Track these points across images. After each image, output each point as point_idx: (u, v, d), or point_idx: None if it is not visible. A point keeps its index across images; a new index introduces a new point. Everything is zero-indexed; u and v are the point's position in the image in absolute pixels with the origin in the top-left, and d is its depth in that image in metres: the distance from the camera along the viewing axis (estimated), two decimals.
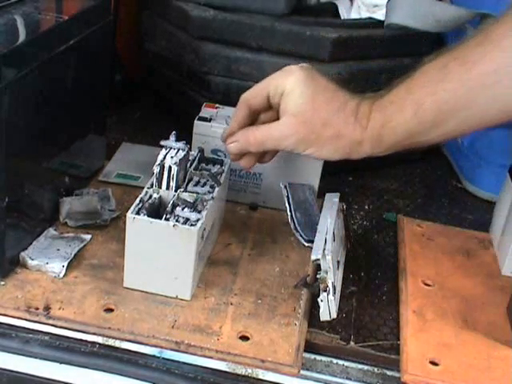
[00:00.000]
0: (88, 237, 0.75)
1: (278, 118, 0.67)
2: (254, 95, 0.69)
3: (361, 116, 0.64)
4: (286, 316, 0.67)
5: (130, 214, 0.65)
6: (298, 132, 0.66)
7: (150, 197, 0.69)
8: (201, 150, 0.77)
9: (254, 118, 0.71)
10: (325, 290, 0.65)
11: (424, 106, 0.61)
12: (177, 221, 0.65)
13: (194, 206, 0.68)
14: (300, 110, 0.65)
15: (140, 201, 0.68)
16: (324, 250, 0.66)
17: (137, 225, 0.65)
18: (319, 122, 0.65)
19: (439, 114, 0.61)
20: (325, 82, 0.67)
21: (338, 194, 0.79)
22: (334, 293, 0.66)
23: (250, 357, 0.61)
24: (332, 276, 0.66)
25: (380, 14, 0.96)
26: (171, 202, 0.68)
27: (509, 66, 0.57)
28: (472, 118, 0.61)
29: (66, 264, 0.69)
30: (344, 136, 0.65)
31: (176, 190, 0.70)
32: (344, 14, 0.99)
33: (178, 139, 0.73)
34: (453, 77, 0.59)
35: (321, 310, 0.66)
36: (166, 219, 0.66)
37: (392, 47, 0.95)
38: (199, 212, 0.67)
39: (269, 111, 0.70)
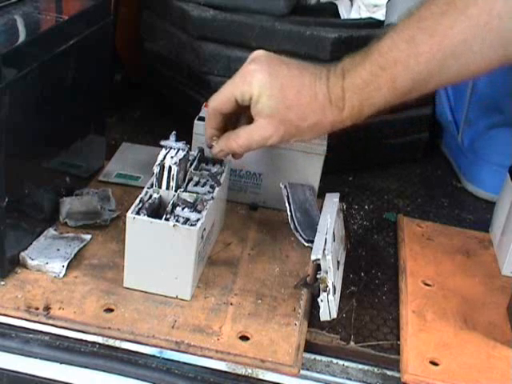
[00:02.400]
0: (88, 237, 0.75)
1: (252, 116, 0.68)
2: (222, 103, 0.70)
3: (335, 99, 0.65)
4: (285, 316, 0.67)
5: (129, 214, 0.65)
6: (277, 130, 0.67)
7: (150, 197, 0.69)
8: (201, 150, 0.77)
9: (230, 118, 0.72)
10: (325, 290, 0.65)
11: (399, 79, 0.62)
12: (177, 221, 0.65)
13: (193, 206, 0.68)
14: (274, 112, 0.66)
15: (140, 201, 0.68)
16: (324, 250, 0.66)
17: (137, 225, 0.65)
18: (295, 118, 0.66)
19: (414, 85, 0.62)
20: (286, 71, 0.66)
21: (337, 194, 0.79)
22: (334, 293, 0.66)
23: (250, 357, 0.61)
24: (332, 276, 0.66)
25: (380, 14, 0.96)
26: (171, 202, 0.68)
27: (476, 34, 0.58)
28: (447, 80, 0.63)
29: (66, 264, 0.69)
30: (323, 122, 0.66)
31: (176, 190, 0.70)
32: (344, 14, 0.99)
33: (177, 139, 0.73)
34: (423, 49, 0.60)
35: (321, 310, 0.66)
36: (166, 219, 0.66)
37: None
38: (199, 212, 0.67)
39: (243, 109, 0.70)
